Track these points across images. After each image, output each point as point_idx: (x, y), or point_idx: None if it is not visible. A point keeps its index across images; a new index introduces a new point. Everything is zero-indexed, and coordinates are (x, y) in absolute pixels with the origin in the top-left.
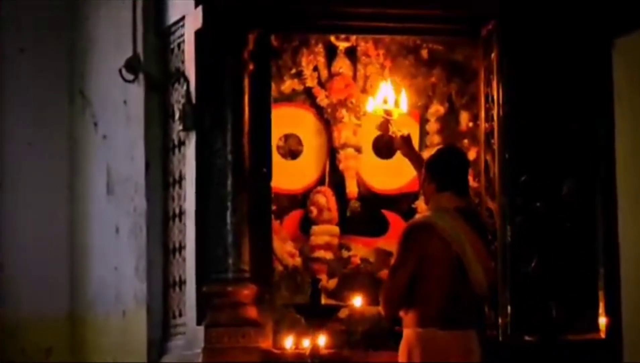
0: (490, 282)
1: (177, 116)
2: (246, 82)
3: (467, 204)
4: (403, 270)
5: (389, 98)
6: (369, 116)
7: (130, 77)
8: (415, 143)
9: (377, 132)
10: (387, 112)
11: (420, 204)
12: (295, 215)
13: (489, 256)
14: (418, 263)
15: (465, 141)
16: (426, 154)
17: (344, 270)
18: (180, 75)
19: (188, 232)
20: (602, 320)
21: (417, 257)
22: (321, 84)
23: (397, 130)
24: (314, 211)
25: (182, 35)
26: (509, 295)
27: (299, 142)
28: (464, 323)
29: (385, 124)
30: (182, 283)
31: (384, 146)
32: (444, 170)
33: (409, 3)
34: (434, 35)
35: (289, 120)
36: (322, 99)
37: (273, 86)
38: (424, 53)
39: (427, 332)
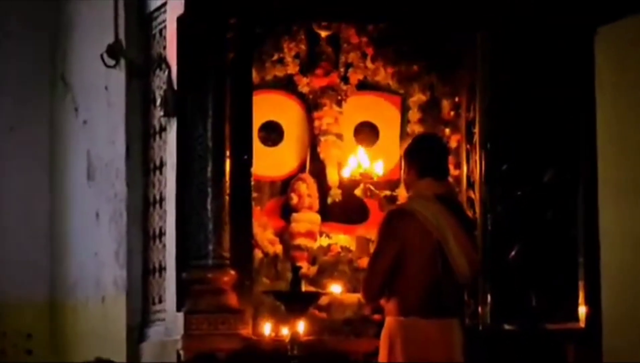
0: (475, 271)
1: (158, 102)
2: (228, 68)
3: (447, 190)
4: (383, 257)
5: (362, 163)
6: (350, 102)
7: (111, 62)
8: (397, 131)
9: (359, 119)
10: (364, 176)
11: (401, 192)
12: (276, 202)
13: (472, 244)
14: (398, 250)
15: (447, 129)
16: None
17: (324, 258)
18: (162, 61)
19: (168, 218)
20: (582, 310)
21: (397, 244)
22: (303, 71)
23: (379, 192)
24: (295, 198)
25: (164, 21)
26: (489, 284)
27: (280, 129)
28: (446, 312)
29: (367, 190)
30: (162, 269)
31: (366, 134)
32: (422, 156)
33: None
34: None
35: (270, 107)
36: (304, 86)
37: (254, 72)
38: (407, 42)
39: (409, 321)
